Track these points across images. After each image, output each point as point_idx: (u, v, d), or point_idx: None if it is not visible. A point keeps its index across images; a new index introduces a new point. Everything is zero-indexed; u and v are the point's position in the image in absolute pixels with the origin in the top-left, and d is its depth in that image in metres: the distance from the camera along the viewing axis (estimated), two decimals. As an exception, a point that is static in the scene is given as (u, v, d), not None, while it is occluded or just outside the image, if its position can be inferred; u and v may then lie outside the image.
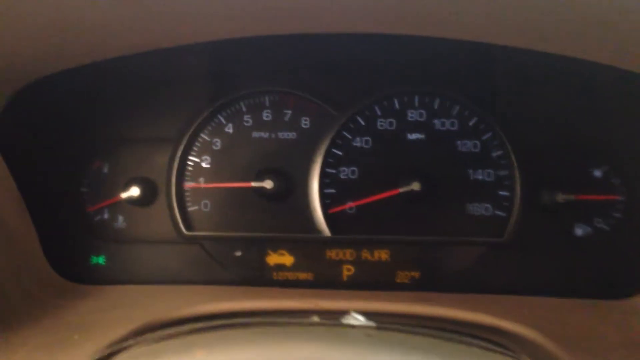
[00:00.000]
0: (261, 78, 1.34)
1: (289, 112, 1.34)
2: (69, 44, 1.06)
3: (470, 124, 1.28)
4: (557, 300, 1.16)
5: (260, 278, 1.30)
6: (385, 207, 1.27)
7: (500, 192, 1.26)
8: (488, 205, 1.26)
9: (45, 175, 1.31)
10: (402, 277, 1.27)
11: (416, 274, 1.27)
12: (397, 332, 0.81)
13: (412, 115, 1.30)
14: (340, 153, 1.31)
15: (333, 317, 0.83)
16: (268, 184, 1.29)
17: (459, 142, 1.28)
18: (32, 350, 0.91)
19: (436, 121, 1.29)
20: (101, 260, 1.34)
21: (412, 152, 1.29)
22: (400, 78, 1.30)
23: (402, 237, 1.27)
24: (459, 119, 1.28)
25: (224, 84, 1.34)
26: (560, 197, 1.21)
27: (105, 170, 1.36)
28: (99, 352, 0.84)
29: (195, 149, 1.35)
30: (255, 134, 1.34)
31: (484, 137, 1.27)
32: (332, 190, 1.30)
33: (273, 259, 1.31)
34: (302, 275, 1.30)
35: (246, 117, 1.34)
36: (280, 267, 1.30)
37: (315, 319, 0.84)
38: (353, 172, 1.31)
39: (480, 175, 1.27)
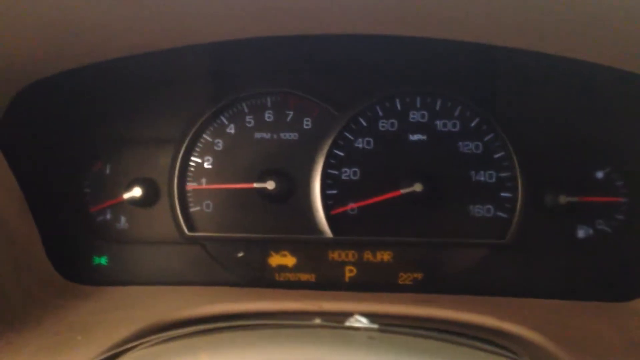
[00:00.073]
0: (263, 79, 1.33)
1: (291, 112, 1.33)
2: (70, 45, 1.06)
3: (472, 125, 1.28)
4: (559, 302, 1.17)
5: (262, 279, 1.30)
6: (387, 209, 1.27)
7: (503, 194, 1.26)
8: (490, 207, 1.26)
9: (47, 176, 1.32)
10: (405, 278, 1.27)
11: (418, 276, 1.27)
12: (399, 335, 0.81)
13: (413, 116, 1.30)
14: (342, 154, 1.31)
15: (336, 319, 0.83)
16: (270, 185, 1.29)
17: (460, 144, 1.28)
18: (35, 351, 0.91)
19: (438, 122, 1.29)
20: (103, 260, 1.34)
21: (414, 153, 1.29)
22: (401, 79, 1.30)
23: (405, 239, 1.27)
24: (461, 120, 1.28)
25: (225, 84, 1.34)
26: (563, 199, 1.21)
27: (108, 171, 1.36)
28: (102, 354, 0.84)
29: (197, 149, 1.35)
30: (258, 135, 1.34)
31: (486, 139, 1.27)
32: (334, 191, 1.30)
33: (275, 260, 1.31)
34: (304, 277, 1.30)
35: (248, 118, 1.34)
36: (282, 268, 1.30)
37: (318, 321, 0.84)
38: (355, 173, 1.30)
39: (482, 177, 1.26)
